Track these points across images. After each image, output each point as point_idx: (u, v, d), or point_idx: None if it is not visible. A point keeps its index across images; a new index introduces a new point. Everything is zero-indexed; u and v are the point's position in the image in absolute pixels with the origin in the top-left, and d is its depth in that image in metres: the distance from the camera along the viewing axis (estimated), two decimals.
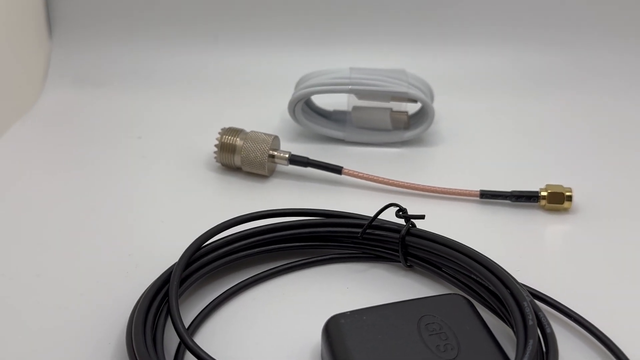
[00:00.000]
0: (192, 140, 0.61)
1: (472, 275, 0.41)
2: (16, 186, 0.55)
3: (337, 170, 0.54)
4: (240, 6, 0.73)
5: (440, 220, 0.49)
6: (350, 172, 0.54)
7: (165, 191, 0.54)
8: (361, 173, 0.54)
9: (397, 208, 0.44)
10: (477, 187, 0.52)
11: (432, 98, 0.61)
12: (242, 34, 0.74)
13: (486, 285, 0.40)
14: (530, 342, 0.34)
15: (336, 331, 0.36)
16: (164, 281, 0.40)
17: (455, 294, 0.40)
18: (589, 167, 0.57)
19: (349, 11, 0.73)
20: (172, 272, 0.40)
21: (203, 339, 0.40)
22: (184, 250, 0.41)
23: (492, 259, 0.40)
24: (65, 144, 0.61)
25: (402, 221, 0.44)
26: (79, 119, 0.65)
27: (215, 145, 0.56)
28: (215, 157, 0.56)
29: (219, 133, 0.56)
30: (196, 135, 0.61)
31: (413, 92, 0.58)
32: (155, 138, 0.62)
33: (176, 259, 0.41)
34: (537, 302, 0.40)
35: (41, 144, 0.61)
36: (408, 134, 0.60)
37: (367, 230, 0.45)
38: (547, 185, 0.51)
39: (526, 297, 0.37)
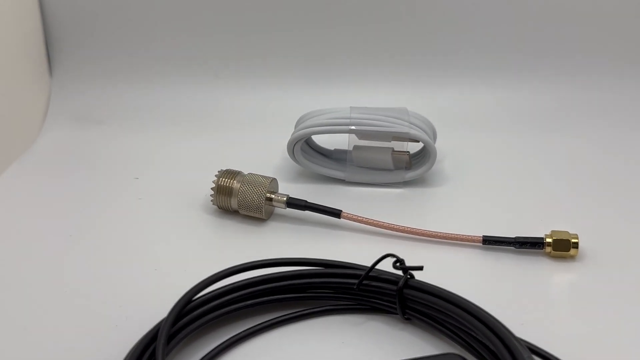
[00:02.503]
0: (189, 180, 0.60)
1: (471, 332, 0.39)
2: (9, 229, 0.54)
3: (336, 214, 0.53)
4: (240, 44, 0.73)
5: (442, 267, 0.48)
6: (349, 215, 0.53)
7: (160, 236, 0.53)
8: (360, 217, 0.53)
9: (395, 259, 0.43)
10: (480, 230, 0.51)
11: (434, 137, 0.60)
12: (241, 72, 0.73)
13: (486, 343, 0.38)
14: None
15: None
16: (152, 338, 0.39)
17: (452, 353, 0.38)
18: (597, 211, 0.55)
19: (350, 49, 0.73)
20: (159, 329, 0.39)
21: None
22: (175, 301, 0.40)
23: (494, 311, 0.39)
24: (62, 185, 0.61)
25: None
26: (77, 159, 0.65)
27: (212, 188, 0.55)
28: (211, 200, 0.55)
29: (216, 175, 0.55)
30: (194, 175, 0.60)
31: (414, 132, 0.57)
32: (153, 179, 0.61)
33: (167, 311, 0.40)
34: None
35: (38, 185, 0.61)
36: (410, 174, 0.59)
37: (364, 282, 0.43)
38: (552, 231, 0.50)
39: (527, 359, 0.35)
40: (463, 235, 0.51)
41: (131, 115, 0.71)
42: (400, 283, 0.42)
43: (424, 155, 0.60)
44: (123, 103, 0.72)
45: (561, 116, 0.70)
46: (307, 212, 0.54)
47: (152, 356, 0.38)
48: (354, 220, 0.53)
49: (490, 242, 0.50)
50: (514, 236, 0.50)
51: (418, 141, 0.58)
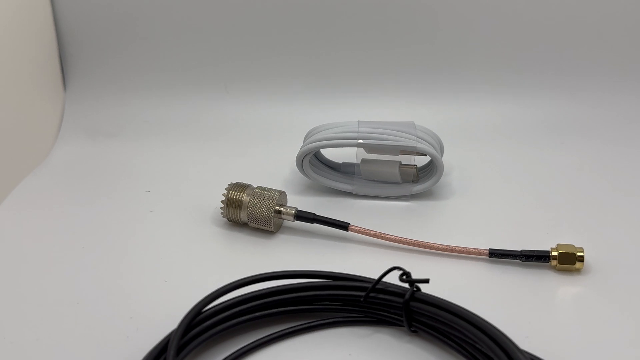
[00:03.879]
0: (200, 193, 0.61)
1: (477, 345, 0.40)
2: (22, 242, 0.55)
3: (344, 226, 0.54)
4: (250, 58, 0.74)
5: (448, 280, 0.48)
6: (357, 228, 0.53)
7: (171, 248, 0.54)
8: (368, 230, 0.53)
9: (401, 272, 0.43)
10: (487, 243, 0.51)
11: (441, 151, 0.60)
12: (251, 87, 0.74)
13: (491, 356, 0.39)
14: None
15: None
16: (162, 349, 0.40)
17: None
18: (602, 224, 0.56)
19: (358, 65, 0.74)
20: (169, 340, 0.39)
21: None
22: (185, 313, 0.41)
23: (499, 323, 0.39)
24: (75, 197, 0.62)
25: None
26: (90, 172, 0.66)
27: (222, 201, 0.56)
28: (221, 213, 0.56)
29: (226, 188, 0.56)
30: (205, 188, 0.61)
31: (421, 146, 0.57)
32: (164, 191, 0.62)
33: (177, 322, 0.41)
34: None
35: (51, 198, 0.62)
36: (417, 188, 0.60)
37: (371, 294, 0.44)
38: (558, 244, 0.50)
39: None
40: (469, 248, 0.51)
41: (143, 129, 0.72)
42: (407, 296, 0.43)
43: (431, 169, 0.60)
44: (135, 117, 0.73)
45: (566, 130, 0.70)
46: (316, 225, 0.55)
47: None
48: (362, 233, 0.53)
49: (497, 255, 0.51)
50: (520, 249, 0.50)
51: (425, 155, 0.58)
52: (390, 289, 0.44)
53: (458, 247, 0.51)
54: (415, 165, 0.60)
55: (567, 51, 0.72)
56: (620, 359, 0.42)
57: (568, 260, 0.49)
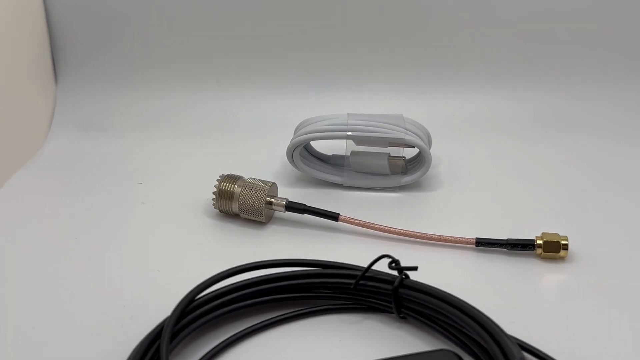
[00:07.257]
0: (192, 185, 0.61)
1: (464, 330, 0.41)
2: (16, 234, 0.55)
3: (334, 217, 0.55)
4: (241, 52, 0.74)
5: (436, 268, 0.49)
6: (346, 219, 0.54)
7: (163, 238, 0.55)
8: (357, 220, 0.54)
9: (390, 259, 0.44)
10: (474, 232, 0.53)
11: (429, 143, 0.61)
12: (242, 81, 0.75)
13: (478, 340, 0.40)
14: None
15: None
16: (156, 336, 0.41)
17: (445, 349, 0.39)
18: (586, 214, 0.57)
19: (349, 56, 0.74)
20: (163, 327, 0.40)
21: None
22: (178, 301, 0.42)
23: (486, 309, 0.40)
24: (67, 190, 0.62)
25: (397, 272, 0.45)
26: (82, 165, 0.66)
27: (214, 192, 0.56)
28: (213, 204, 0.57)
29: (218, 180, 0.57)
30: (196, 180, 0.62)
31: (409, 138, 0.58)
32: (156, 184, 0.62)
33: (170, 310, 0.41)
34: (530, 356, 0.40)
35: (44, 190, 0.62)
36: (406, 179, 0.61)
37: (361, 282, 0.45)
38: (543, 233, 0.51)
39: (517, 355, 0.37)
40: (457, 237, 0.52)
41: (135, 122, 0.72)
42: (396, 283, 0.44)
43: (420, 161, 0.61)
44: (126, 111, 0.73)
45: (551, 124, 0.71)
46: (306, 216, 0.56)
47: (157, 353, 0.40)
48: (351, 223, 0.54)
49: (483, 244, 0.52)
50: (506, 238, 0.51)
51: (413, 147, 0.59)
52: (380, 277, 0.45)
53: (446, 236, 0.52)
54: (404, 157, 0.61)
55: (558, 45, 0.73)
56: (601, 343, 0.43)
57: (552, 249, 0.50)
